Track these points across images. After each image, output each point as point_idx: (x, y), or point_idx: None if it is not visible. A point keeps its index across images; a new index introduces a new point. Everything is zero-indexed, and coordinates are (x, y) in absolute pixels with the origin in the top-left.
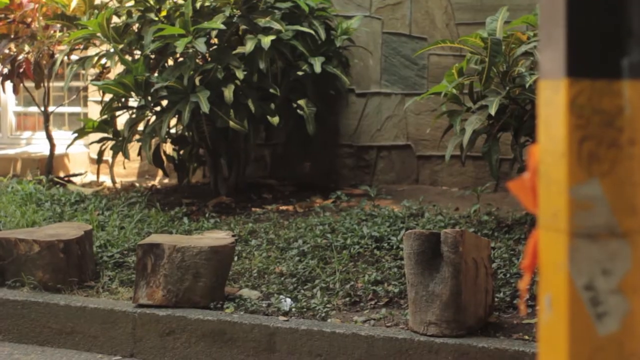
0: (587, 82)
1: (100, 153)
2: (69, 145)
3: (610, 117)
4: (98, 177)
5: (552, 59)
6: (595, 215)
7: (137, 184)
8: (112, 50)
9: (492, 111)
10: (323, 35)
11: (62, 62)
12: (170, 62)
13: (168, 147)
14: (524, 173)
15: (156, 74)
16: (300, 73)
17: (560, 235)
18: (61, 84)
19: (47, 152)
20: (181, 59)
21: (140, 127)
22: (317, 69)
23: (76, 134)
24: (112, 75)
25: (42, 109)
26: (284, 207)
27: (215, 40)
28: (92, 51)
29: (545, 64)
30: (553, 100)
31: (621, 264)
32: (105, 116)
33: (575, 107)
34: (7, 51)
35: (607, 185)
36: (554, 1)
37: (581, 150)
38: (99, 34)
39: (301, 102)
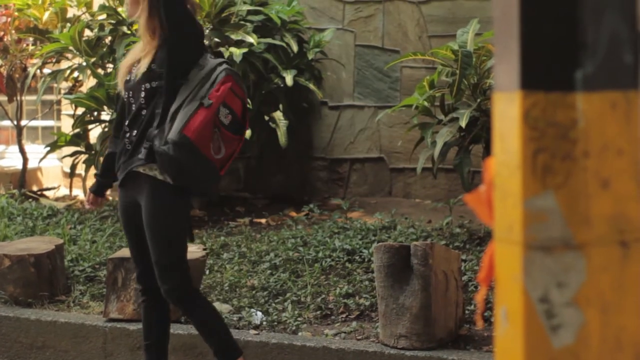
0: (541, 95)
1: (73, 167)
2: (41, 159)
3: (564, 129)
4: (71, 191)
5: (507, 71)
6: (550, 227)
7: (110, 198)
8: (84, 63)
9: (463, 123)
10: (295, 48)
11: (34, 75)
12: None
13: None
14: (480, 186)
15: None
16: (272, 86)
17: (515, 248)
18: (34, 97)
19: (20, 166)
20: None
21: None
22: (289, 82)
23: (48, 148)
24: (84, 88)
25: (15, 122)
26: (256, 220)
27: None
28: (64, 64)
29: (499, 77)
30: (507, 113)
31: (576, 276)
32: (78, 130)
33: (529, 120)
34: None
35: (562, 197)
36: (508, 14)
37: (536, 163)
38: (71, 48)
39: (274, 115)
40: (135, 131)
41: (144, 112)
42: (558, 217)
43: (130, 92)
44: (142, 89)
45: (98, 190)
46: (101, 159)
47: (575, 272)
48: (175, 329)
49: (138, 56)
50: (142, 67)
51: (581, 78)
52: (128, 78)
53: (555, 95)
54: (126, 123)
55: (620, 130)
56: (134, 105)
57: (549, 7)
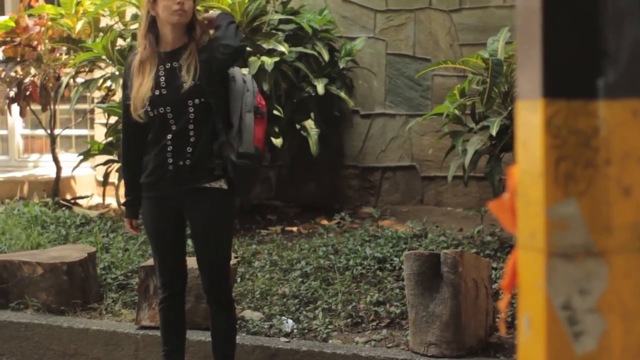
0: (563, 103)
1: (106, 175)
2: (74, 168)
3: (586, 137)
4: (104, 200)
5: (529, 79)
6: (572, 234)
7: None
8: (116, 72)
9: (493, 132)
10: (327, 57)
11: (67, 84)
12: None
13: None
14: (504, 193)
15: None
16: (304, 94)
17: (538, 255)
18: (67, 106)
19: (53, 175)
20: None
21: None
22: (320, 90)
23: (82, 156)
24: (117, 97)
25: (49, 131)
26: (288, 229)
27: None
28: (97, 74)
29: (522, 85)
30: (530, 121)
31: (598, 284)
32: (111, 138)
33: (551, 127)
34: (13, 74)
35: (584, 204)
36: (530, 22)
37: (558, 170)
38: (103, 57)
39: (305, 123)
40: (190, 148)
41: (191, 127)
42: (580, 225)
43: (168, 108)
44: (190, 104)
45: (136, 215)
46: None
47: (597, 279)
48: (207, 337)
49: (155, 68)
50: (185, 82)
51: (603, 86)
52: (157, 93)
53: (577, 103)
54: (168, 137)
55: None
56: (173, 120)
57: (571, 15)
